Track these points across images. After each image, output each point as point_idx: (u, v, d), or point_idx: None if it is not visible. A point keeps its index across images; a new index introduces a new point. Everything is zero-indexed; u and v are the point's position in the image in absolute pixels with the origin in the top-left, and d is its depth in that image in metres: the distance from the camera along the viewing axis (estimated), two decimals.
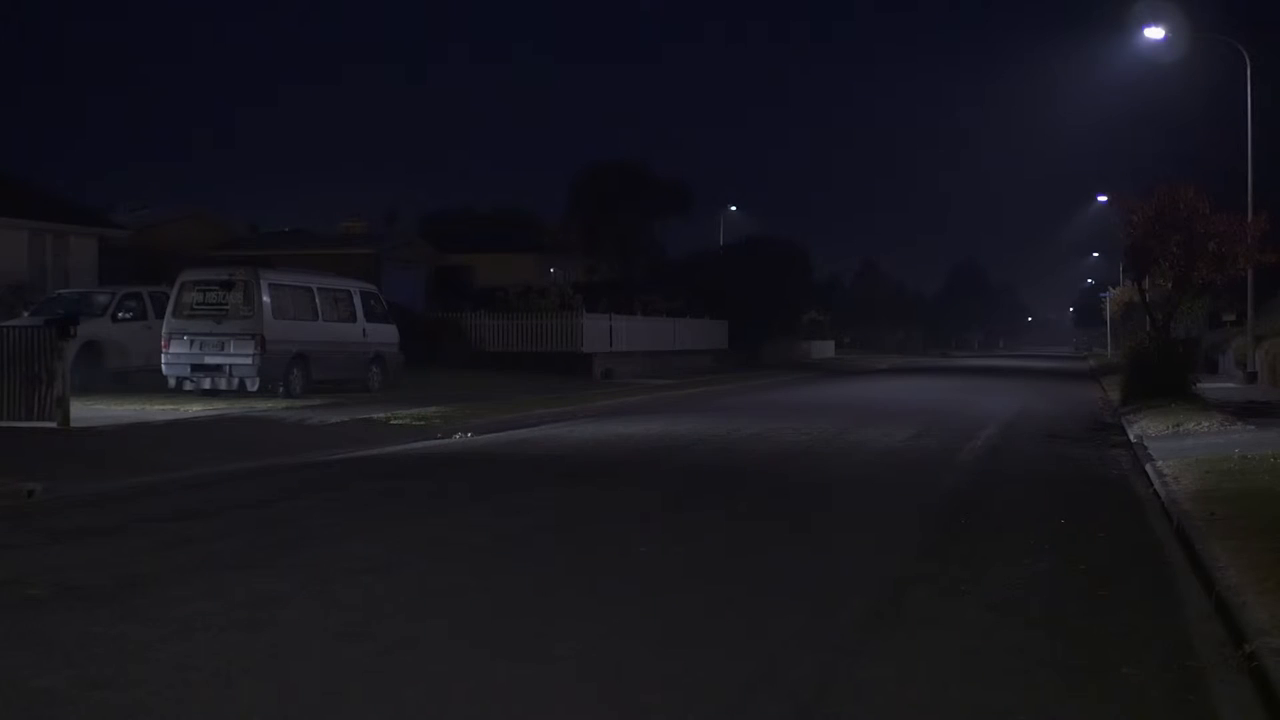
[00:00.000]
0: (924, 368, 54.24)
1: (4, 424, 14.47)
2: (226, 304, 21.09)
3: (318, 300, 22.81)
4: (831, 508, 10.35)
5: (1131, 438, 15.96)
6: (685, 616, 6.22)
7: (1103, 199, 48.25)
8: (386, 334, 24.75)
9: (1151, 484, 11.33)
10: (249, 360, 20.64)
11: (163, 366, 21.09)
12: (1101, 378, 36.81)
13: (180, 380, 20.93)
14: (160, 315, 21.73)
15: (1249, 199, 26.99)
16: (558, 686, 5.01)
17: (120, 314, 22.35)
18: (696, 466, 13.05)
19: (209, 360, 20.81)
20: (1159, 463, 12.17)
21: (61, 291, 24.29)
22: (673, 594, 6.76)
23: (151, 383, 21.24)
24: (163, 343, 21.10)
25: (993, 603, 6.56)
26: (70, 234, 27.66)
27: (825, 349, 70.02)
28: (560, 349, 33.27)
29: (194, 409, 18.03)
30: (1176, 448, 13.53)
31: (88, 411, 16.06)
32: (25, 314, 21.73)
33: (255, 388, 20.61)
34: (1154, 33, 29.47)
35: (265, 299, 21.11)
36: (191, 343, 20.91)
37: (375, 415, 18.10)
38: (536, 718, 4.67)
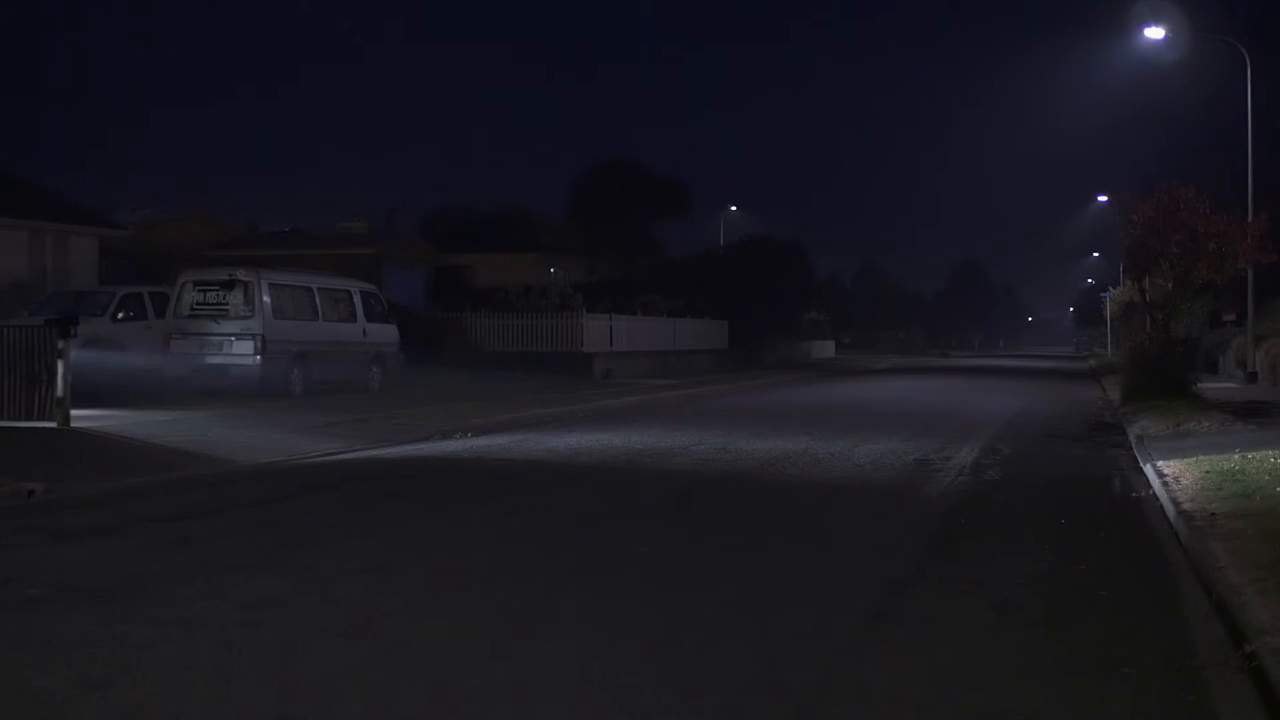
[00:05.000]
0: (924, 368, 54.24)
1: (4, 424, 14.48)
2: (227, 304, 21.11)
3: (318, 300, 22.81)
4: (831, 508, 10.34)
5: (1131, 437, 15.95)
6: (686, 616, 6.22)
7: (1103, 199, 48.31)
8: (387, 334, 24.75)
9: (1151, 484, 11.33)
10: (249, 360, 20.66)
11: (163, 366, 21.09)
12: (1102, 377, 36.80)
13: (180, 380, 20.93)
14: (160, 315, 21.74)
15: (1249, 199, 26.99)
16: (558, 687, 5.01)
17: (120, 314, 22.35)
18: (697, 467, 13.04)
19: (209, 360, 20.82)
20: (1159, 463, 12.16)
21: (61, 291, 24.29)
22: (673, 594, 6.76)
23: (152, 383, 21.23)
24: (163, 343, 21.11)
25: (993, 603, 6.55)
26: (70, 234, 27.64)
27: (825, 349, 70.01)
28: (560, 349, 33.27)
29: (194, 409, 18.02)
30: (1177, 448, 13.51)
31: (87, 411, 16.06)
32: (25, 314, 21.73)
33: (255, 388, 20.61)
34: (1154, 33, 29.48)
35: (265, 299, 21.12)
36: (192, 343, 20.92)
37: (375, 415, 18.10)
38: (536, 718, 4.67)
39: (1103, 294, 72.15)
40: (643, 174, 49.85)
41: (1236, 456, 12.03)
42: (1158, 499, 10.38)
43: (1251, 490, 9.70)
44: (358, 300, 24.11)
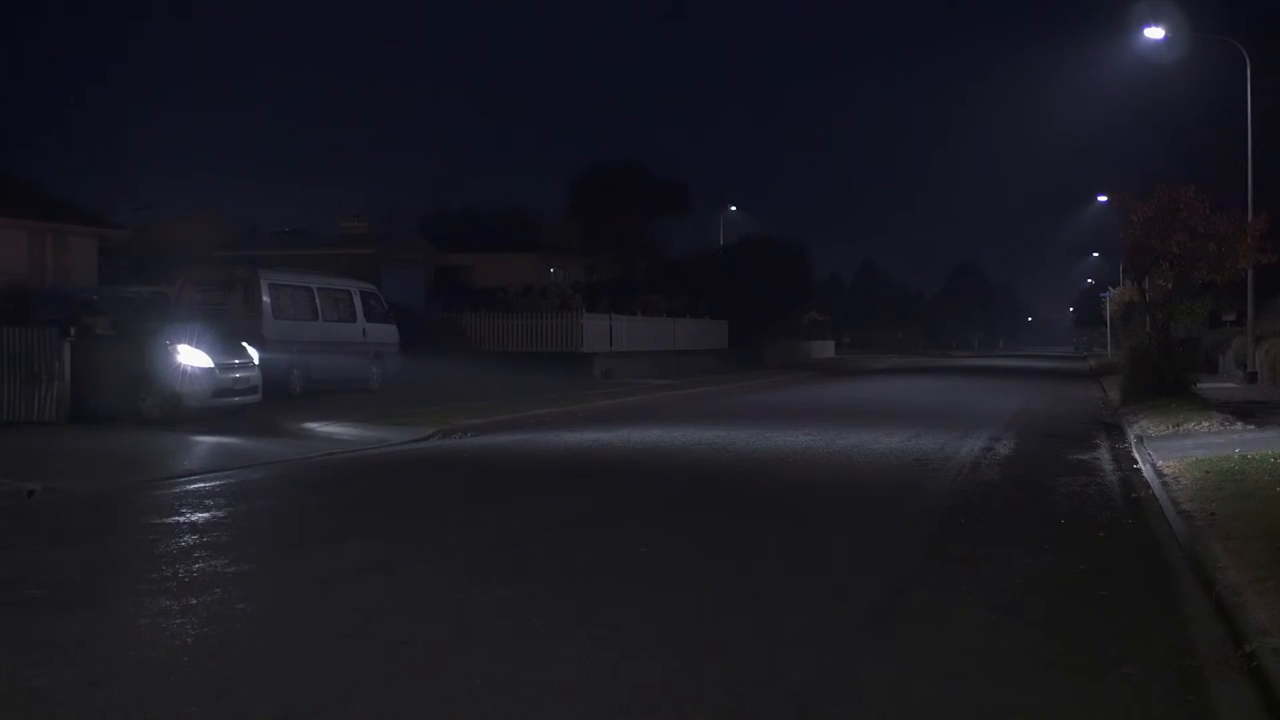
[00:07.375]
0: (924, 368, 54.24)
1: (4, 424, 14.48)
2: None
3: (318, 300, 22.81)
4: (831, 508, 10.35)
5: (1131, 437, 15.95)
6: (686, 616, 6.21)
7: (1103, 199, 48.29)
8: (386, 334, 24.75)
9: (1151, 484, 11.32)
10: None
11: None
12: (1102, 377, 36.81)
13: None
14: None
15: (1249, 199, 26.99)
16: (558, 686, 5.01)
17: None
18: (697, 467, 13.04)
19: None
20: (1159, 462, 12.16)
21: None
22: (674, 594, 6.76)
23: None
24: None
25: (993, 603, 6.55)
26: (70, 234, 27.60)
27: (825, 349, 70.04)
28: (560, 349, 33.28)
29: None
30: (1177, 447, 13.52)
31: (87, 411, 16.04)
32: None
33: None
34: (1154, 33, 29.47)
35: (265, 299, 21.11)
36: None
37: (374, 415, 18.10)
38: (537, 718, 4.67)
39: (1103, 294, 72.17)
40: (642, 174, 49.85)
41: (1236, 456, 12.03)
42: (1157, 499, 10.37)
43: (1251, 490, 9.70)
44: (358, 300, 24.11)
